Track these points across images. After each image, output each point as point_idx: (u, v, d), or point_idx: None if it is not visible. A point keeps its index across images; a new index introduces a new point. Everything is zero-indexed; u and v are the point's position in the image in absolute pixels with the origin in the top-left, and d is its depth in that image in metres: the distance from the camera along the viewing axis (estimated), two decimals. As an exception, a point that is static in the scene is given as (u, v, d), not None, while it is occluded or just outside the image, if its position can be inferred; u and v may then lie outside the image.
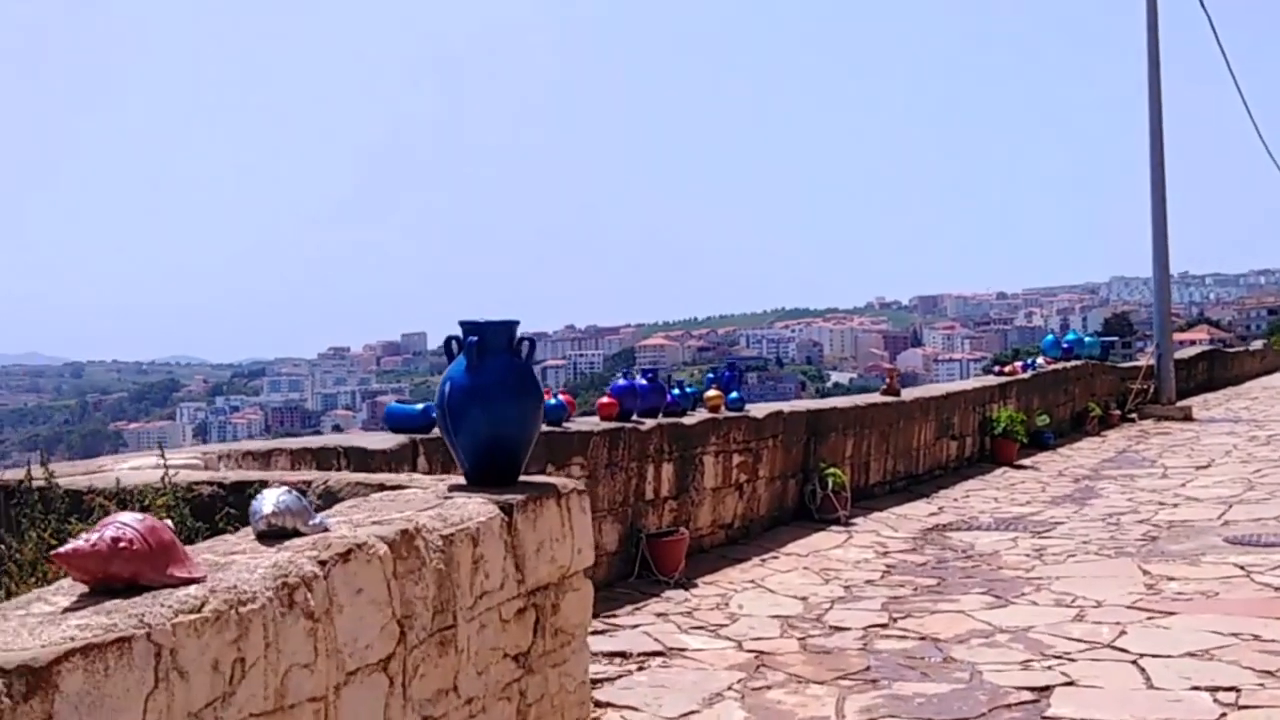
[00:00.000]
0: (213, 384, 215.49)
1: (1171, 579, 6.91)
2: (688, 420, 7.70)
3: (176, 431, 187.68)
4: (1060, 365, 16.04)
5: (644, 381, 7.54)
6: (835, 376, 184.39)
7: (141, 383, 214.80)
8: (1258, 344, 37.50)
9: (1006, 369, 14.50)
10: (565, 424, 6.62)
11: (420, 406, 5.73)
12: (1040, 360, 15.58)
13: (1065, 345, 16.83)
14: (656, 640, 5.79)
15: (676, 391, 7.90)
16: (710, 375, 8.59)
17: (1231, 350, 32.02)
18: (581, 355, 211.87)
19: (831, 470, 9.15)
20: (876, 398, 10.97)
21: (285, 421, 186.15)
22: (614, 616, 6.22)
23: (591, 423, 6.95)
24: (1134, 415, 17.91)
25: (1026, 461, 13.12)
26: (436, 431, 5.64)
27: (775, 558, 7.87)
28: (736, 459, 8.23)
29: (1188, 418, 18.06)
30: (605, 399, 7.17)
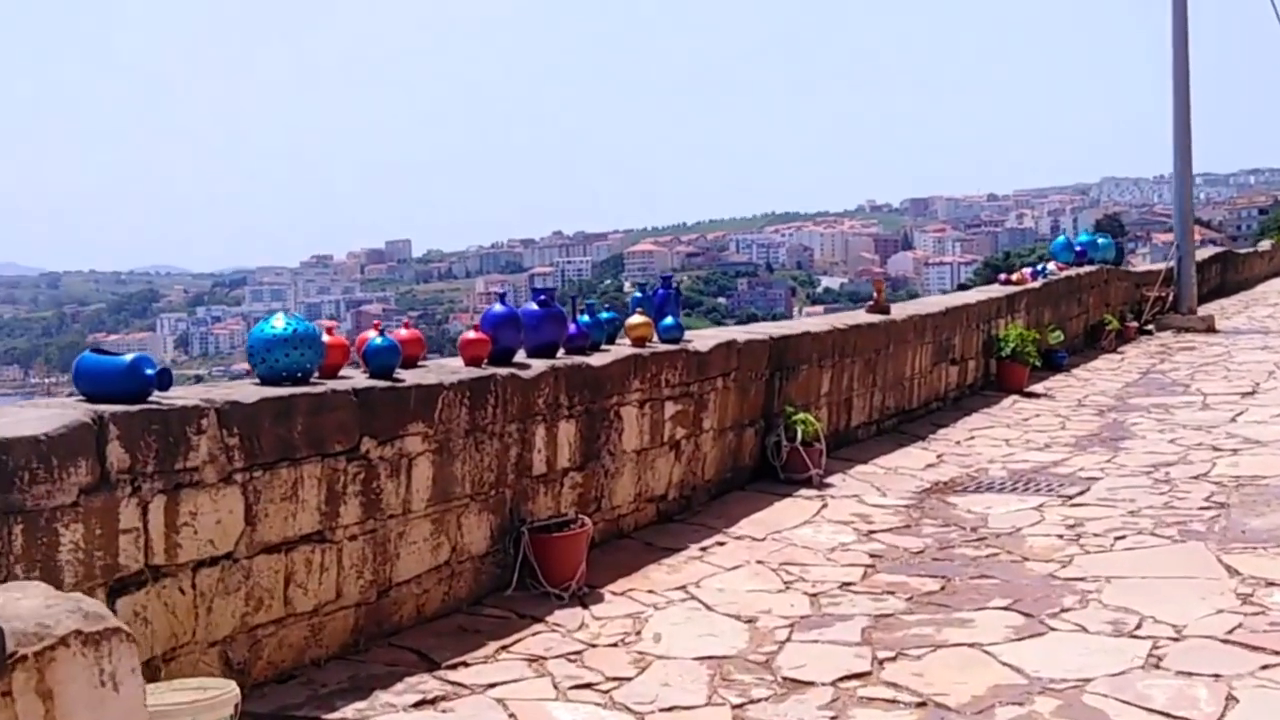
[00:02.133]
0: (193, 294, 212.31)
1: (1272, 583, 4.89)
2: (597, 360, 5.60)
3: (157, 343, 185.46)
4: (1073, 271, 13.93)
5: (533, 306, 5.42)
6: (825, 281, 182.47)
7: (120, 293, 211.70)
8: (1265, 244, 35.44)
9: (1014, 277, 12.38)
10: (398, 374, 4.52)
11: (130, 357, 3.62)
12: (1051, 266, 13.45)
13: (1078, 248, 14.70)
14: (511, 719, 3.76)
15: (585, 319, 5.79)
16: (637, 295, 6.46)
17: (1242, 252, 29.99)
18: (570, 262, 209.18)
19: (801, 417, 7.08)
20: (860, 316, 8.87)
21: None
22: (464, 665, 4.19)
23: (449, 368, 4.86)
24: (1151, 327, 15.86)
25: (1039, 387, 11.09)
26: (155, 398, 3.56)
27: (721, 544, 5.84)
28: (671, 408, 6.15)
29: (1210, 329, 16.02)
30: (471, 333, 5.05)
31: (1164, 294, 16.68)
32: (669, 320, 6.34)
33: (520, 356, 5.30)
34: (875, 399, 8.69)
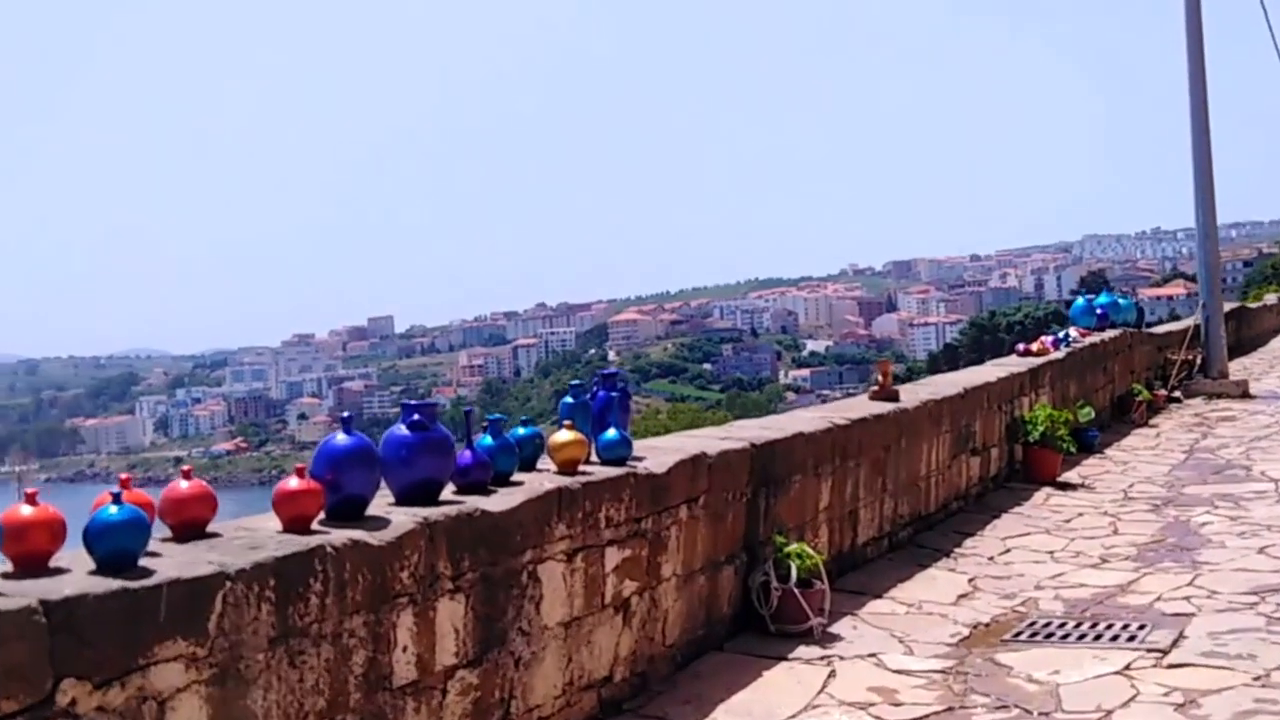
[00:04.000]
0: (174, 375, 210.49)
1: None
2: (501, 501, 3.88)
3: (136, 427, 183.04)
4: (1097, 338, 12.31)
5: (402, 430, 3.72)
6: (811, 345, 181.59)
7: (99, 377, 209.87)
8: (1271, 298, 34.17)
9: (1034, 346, 10.74)
10: (148, 563, 2.80)
11: None
12: (1072, 332, 11.82)
13: (1099, 311, 13.10)
14: None
15: (487, 440, 4.09)
16: (567, 400, 4.73)
17: (1253, 307, 28.61)
18: (553, 333, 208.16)
19: (795, 548, 5.37)
20: (863, 405, 7.18)
21: (249, 412, 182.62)
22: None
23: (257, 537, 3.14)
24: (1178, 394, 14.22)
25: (1072, 475, 9.41)
26: None
27: (686, 757, 4.09)
28: (615, 556, 4.43)
29: (1246, 394, 14.41)
30: (293, 481, 3.34)
31: (1190, 356, 15.08)
32: (611, 434, 4.64)
33: (380, 506, 3.59)
34: (886, 507, 6.98)
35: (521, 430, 4.42)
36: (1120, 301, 14.14)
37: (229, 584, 2.86)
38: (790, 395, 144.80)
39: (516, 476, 4.19)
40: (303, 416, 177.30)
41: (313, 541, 3.16)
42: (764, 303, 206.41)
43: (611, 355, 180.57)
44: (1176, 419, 12.67)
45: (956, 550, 7.05)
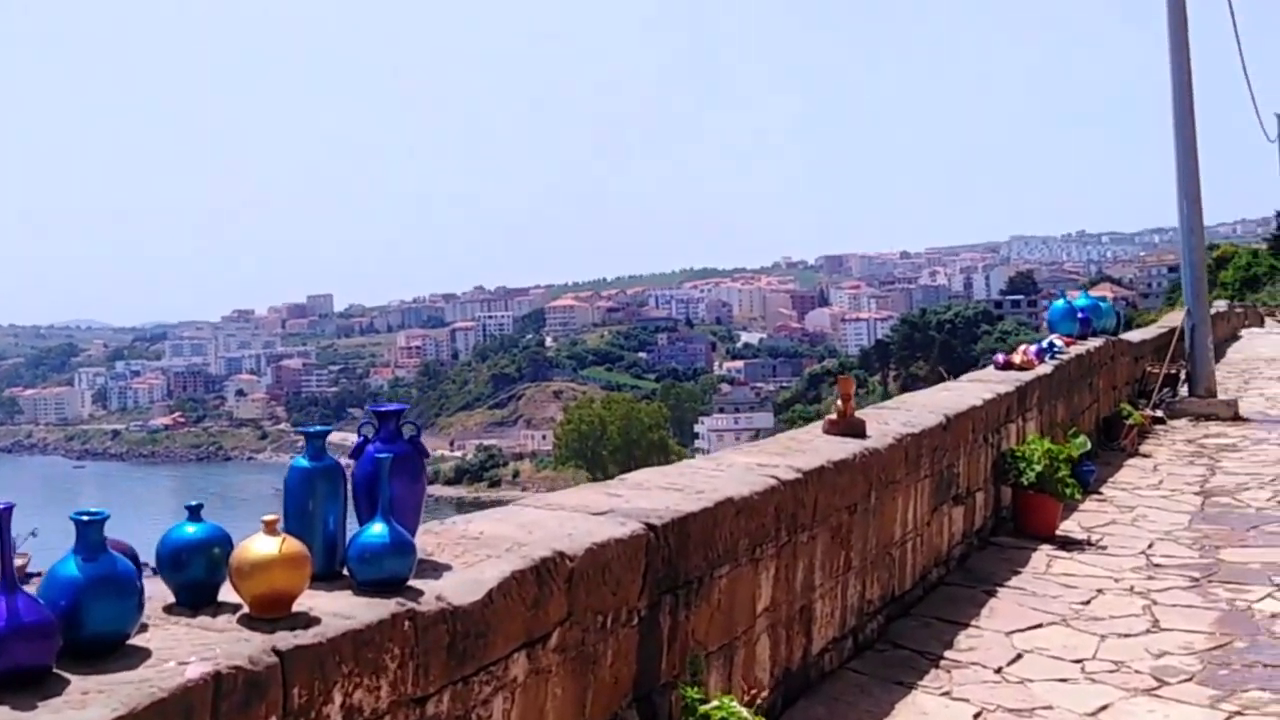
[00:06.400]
0: (113, 348, 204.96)
1: None
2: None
3: (75, 398, 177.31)
4: (1082, 348, 10.34)
5: None
6: (745, 337, 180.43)
7: (39, 347, 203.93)
8: (1221, 304, 32.89)
9: (1015, 358, 8.71)
10: None
11: None
12: (1056, 341, 9.80)
13: (1081, 315, 11.14)
14: None
15: (71, 564, 1.89)
16: (300, 465, 2.55)
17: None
18: (491, 317, 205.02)
19: (717, 706, 3.23)
20: (820, 444, 5.03)
21: (188, 387, 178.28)
22: None
23: None
24: (1160, 414, 12.35)
25: (1072, 525, 7.41)
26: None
27: None
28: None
29: (1237, 416, 12.59)
30: None
31: (1173, 370, 13.23)
32: (376, 533, 2.46)
33: None
34: (850, 592, 4.87)
35: (191, 529, 2.24)
36: (1101, 305, 12.24)
37: None
38: (725, 387, 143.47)
39: (147, 637, 2.00)
40: (241, 393, 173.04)
41: None
42: (699, 293, 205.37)
43: (549, 341, 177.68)
44: (1169, 447, 10.76)
45: (948, 655, 4.97)
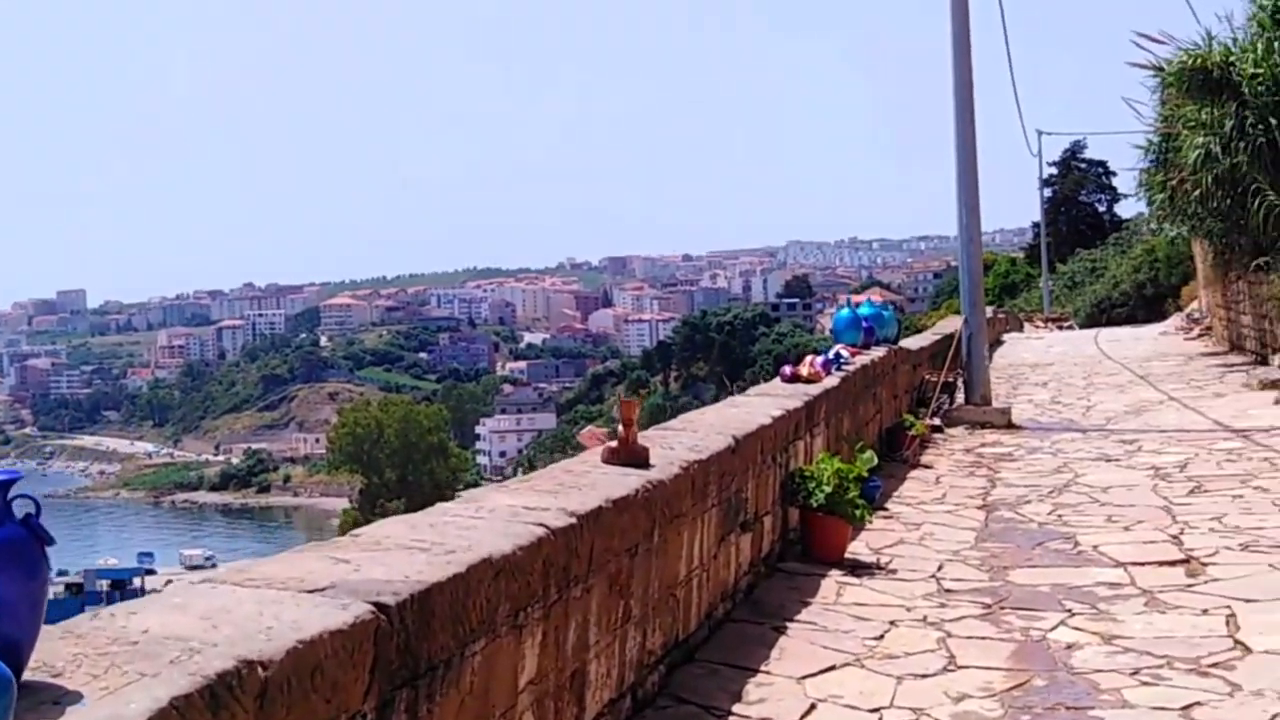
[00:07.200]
0: None
1: None
2: None
3: None
4: (868, 358, 10.16)
5: None
6: (529, 337, 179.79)
7: None
8: (988, 311, 34.36)
9: (802, 370, 8.37)
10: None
11: None
12: (843, 352, 9.56)
13: (865, 324, 10.98)
14: None
15: None
16: None
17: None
18: (261, 315, 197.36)
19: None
20: (597, 478, 4.42)
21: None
22: None
23: None
24: (938, 423, 12.40)
25: (860, 547, 7.08)
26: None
27: None
28: None
29: (1011, 424, 12.79)
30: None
31: (951, 378, 13.36)
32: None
33: None
34: (630, 645, 4.28)
35: None
36: (884, 313, 12.21)
37: None
38: (507, 387, 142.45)
39: None
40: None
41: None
42: (482, 293, 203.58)
43: (324, 340, 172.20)
44: (949, 457, 10.73)
45: (735, 710, 4.44)
